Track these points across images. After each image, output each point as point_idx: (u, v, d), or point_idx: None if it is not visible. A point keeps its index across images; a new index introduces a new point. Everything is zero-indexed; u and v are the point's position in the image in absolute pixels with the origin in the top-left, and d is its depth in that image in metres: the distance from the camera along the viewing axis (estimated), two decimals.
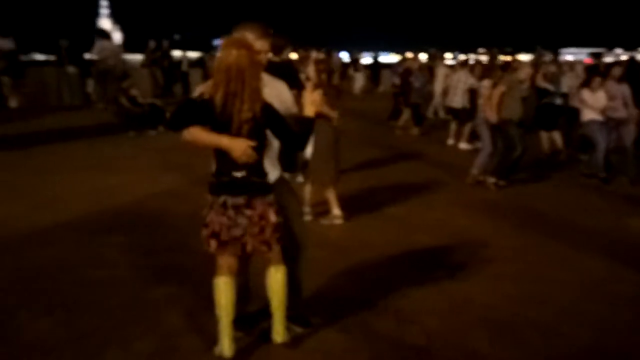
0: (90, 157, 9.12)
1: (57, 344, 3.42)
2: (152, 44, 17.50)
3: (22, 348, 3.38)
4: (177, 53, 19.84)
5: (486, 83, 8.09)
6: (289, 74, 3.86)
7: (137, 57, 23.32)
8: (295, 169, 5.16)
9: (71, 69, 15.07)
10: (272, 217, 3.14)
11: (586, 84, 8.35)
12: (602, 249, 5.29)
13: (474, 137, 10.43)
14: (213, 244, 3.10)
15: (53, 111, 13.75)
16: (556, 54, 19.02)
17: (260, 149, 3.11)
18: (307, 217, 5.95)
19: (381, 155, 9.81)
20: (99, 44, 14.39)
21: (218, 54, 3.08)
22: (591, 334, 3.70)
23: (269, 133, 3.14)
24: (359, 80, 22.31)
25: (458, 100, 10.70)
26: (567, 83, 11.11)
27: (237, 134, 3.00)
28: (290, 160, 3.77)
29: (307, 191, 6.03)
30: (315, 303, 3.93)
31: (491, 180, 7.52)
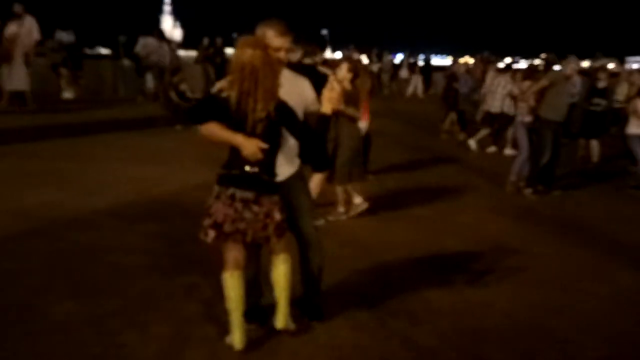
0: (136, 148, 9.43)
1: (79, 325, 3.58)
2: (205, 41, 17.86)
3: (45, 327, 3.55)
4: (230, 51, 20.23)
5: (527, 83, 7.91)
6: (310, 77, 3.92)
7: (193, 54, 23.88)
8: (323, 168, 5.22)
9: (126, 63, 15.57)
10: (277, 216, 3.20)
11: None
12: (635, 263, 5.12)
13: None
14: (211, 233, 3.14)
15: (107, 103, 14.24)
16: (622, 61, 18.42)
17: (274, 148, 3.18)
18: (343, 217, 5.99)
19: (419, 157, 9.77)
20: (143, 40, 14.85)
21: (235, 53, 3.16)
22: (608, 348, 3.61)
23: (284, 131, 3.20)
24: (414, 83, 22.14)
25: (497, 105, 10.51)
26: (623, 92, 10.82)
27: (252, 131, 3.07)
28: (317, 159, 3.84)
29: (339, 191, 6.06)
30: (332, 299, 3.98)
31: (528, 190, 7.35)
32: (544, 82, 7.25)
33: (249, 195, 3.11)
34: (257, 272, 3.58)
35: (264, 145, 3.07)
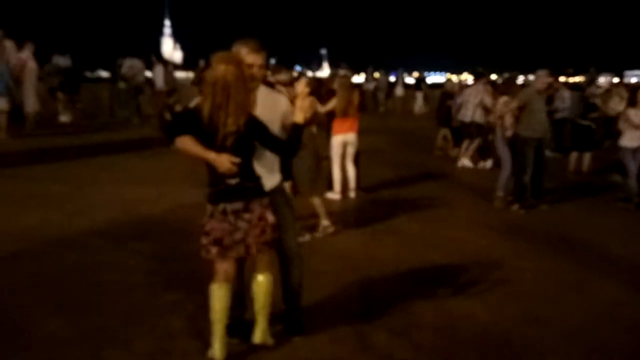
0: (129, 169, 9.51)
1: (63, 341, 3.63)
2: (202, 62, 18.11)
3: (30, 343, 3.60)
4: None
5: (502, 99, 8.00)
6: None
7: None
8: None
9: (122, 85, 15.75)
10: (270, 217, 3.31)
11: (632, 102, 8.13)
12: (621, 274, 5.17)
13: (482, 156, 10.57)
14: (214, 250, 3.24)
15: (103, 126, 14.38)
16: (620, 75, 18.60)
17: (247, 157, 3.27)
18: (330, 229, 6.04)
19: (411, 174, 9.83)
20: (129, 62, 15.16)
21: (210, 68, 3.25)
22: (587, 358, 3.64)
23: (257, 144, 3.29)
24: (419, 99, 22.41)
25: (468, 114, 10.70)
26: (615, 105, 11.00)
27: (222, 144, 3.15)
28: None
29: (318, 204, 6.09)
30: (315, 313, 4.04)
31: (515, 206, 7.40)
32: (514, 105, 7.32)
33: (238, 205, 3.22)
34: (241, 287, 3.63)
35: (236, 160, 3.15)
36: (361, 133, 8.05)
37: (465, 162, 10.74)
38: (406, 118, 20.20)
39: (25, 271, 4.81)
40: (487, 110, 10.20)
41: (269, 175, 3.52)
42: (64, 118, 14.69)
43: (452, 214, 7.21)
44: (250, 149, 3.28)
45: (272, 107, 3.50)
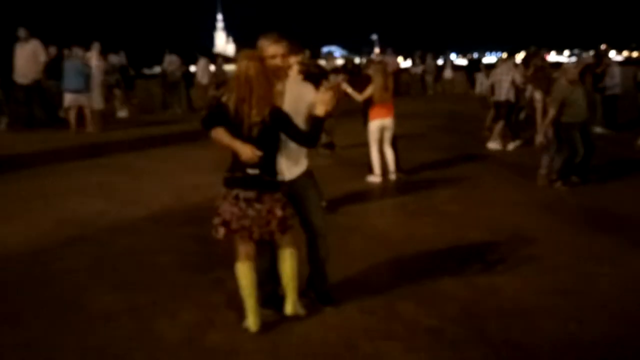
0: (179, 159, 10.00)
1: (117, 314, 4.02)
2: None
3: (86, 317, 4.00)
4: None
5: (538, 96, 7.92)
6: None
7: None
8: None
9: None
10: (278, 212, 3.52)
11: None
12: None
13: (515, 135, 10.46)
14: (222, 231, 3.52)
15: (157, 119, 14.99)
16: None
17: (272, 150, 3.53)
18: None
19: (452, 155, 9.87)
20: (168, 58, 15.79)
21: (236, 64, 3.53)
22: (610, 326, 3.73)
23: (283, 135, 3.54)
24: (479, 81, 22.09)
25: (503, 94, 10.60)
26: None
27: (248, 135, 3.42)
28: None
29: None
30: (345, 286, 4.29)
31: (558, 183, 7.38)
32: (552, 112, 7.23)
33: (251, 194, 3.46)
34: (271, 264, 3.87)
35: (259, 152, 3.42)
36: (407, 117, 8.28)
37: (493, 145, 10.63)
38: (455, 101, 20.01)
39: (85, 254, 5.27)
40: (517, 89, 10.11)
41: (296, 163, 3.76)
42: (122, 114, 15.38)
43: (492, 194, 7.28)
44: (275, 140, 3.53)
45: (299, 97, 3.70)
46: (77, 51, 12.74)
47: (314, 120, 3.55)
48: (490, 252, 5.18)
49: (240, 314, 3.84)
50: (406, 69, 24.60)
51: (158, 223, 6.25)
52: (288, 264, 3.69)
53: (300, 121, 3.63)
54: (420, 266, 4.85)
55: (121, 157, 10.23)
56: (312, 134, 3.58)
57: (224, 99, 3.57)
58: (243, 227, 3.48)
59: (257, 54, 3.51)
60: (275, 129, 3.48)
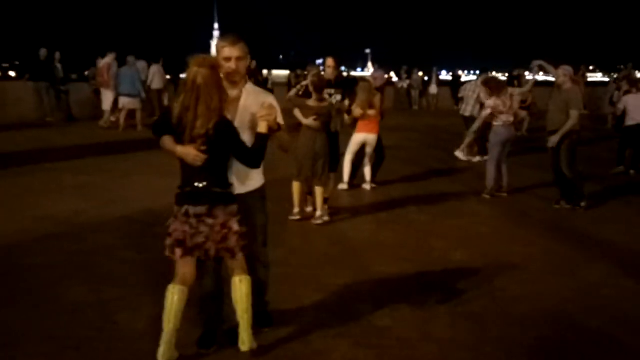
0: (165, 163, 10.12)
1: (85, 307, 4.18)
2: (253, 63, 18.80)
3: (56, 307, 4.17)
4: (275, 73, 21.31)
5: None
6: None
7: None
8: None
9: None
10: (235, 226, 3.25)
11: None
12: (600, 258, 5.41)
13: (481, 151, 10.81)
14: (178, 252, 3.27)
15: (146, 124, 15.14)
16: None
17: (220, 161, 3.27)
18: (325, 218, 6.43)
19: (429, 169, 10.16)
20: (152, 68, 16.20)
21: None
22: (551, 327, 3.97)
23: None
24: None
25: (468, 110, 11.14)
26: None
27: (189, 144, 3.17)
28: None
29: (318, 194, 6.39)
30: (306, 287, 4.52)
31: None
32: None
33: (201, 209, 3.20)
34: (217, 286, 3.63)
35: (203, 149, 3.15)
36: (391, 130, 8.44)
37: (459, 154, 11.16)
38: (439, 116, 20.31)
39: (61, 250, 5.43)
40: (482, 106, 10.43)
41: (248, 177, 3.51)
42: (111, 117, 15.54)
43: (464, 205, 7.52)
44: (222, 152, 3.25)
45: (252, 106, 3.44)
46: (131, 60, 14.21)
47: (256, 138, 3.32)
48: (449, 258, 5.41)
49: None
50: (392, 83, 24.91)
51: (135, 223, 6.42)
52: (240, 293, 3.33)
53: (249, 136, 3.39)
54: (381, 269, 5.06)
55: (105, 160, 10.40)
56: (255, 151, 3.31)
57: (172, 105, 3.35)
58: (197, 246, 3.24)
59: (209, 61, 3.21)
60: (219, 142, 3.19)
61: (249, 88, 3.56)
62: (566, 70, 7.26)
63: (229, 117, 3.33)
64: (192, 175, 3.24)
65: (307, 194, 6.69)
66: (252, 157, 3.33)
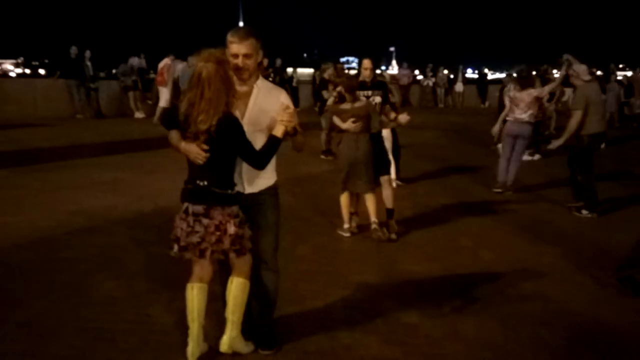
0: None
1: (116, 300, 4.30)
2: (265, 61, 18.92)
3: (90, 300, 4.29)
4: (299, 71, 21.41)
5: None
6: None
7: None
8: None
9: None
10: (231, 229, 3.16)
11: None
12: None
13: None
14: (175, 247, 3.28)
15: None
16: None
17: (224, 160, 3.19)
18: (393, 237, 5.92)
19: (458, 165, 10.11)
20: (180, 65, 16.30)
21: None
22: (580, 329, 3.96)
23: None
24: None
25: None
26: None
27: (193, 141, 3.12)
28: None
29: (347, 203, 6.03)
30: (332, 283, 4.55)
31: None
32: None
33: (199, 208, 3.17)
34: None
35: (205, 147, 3.09)
36: (416, 128, 8.42)
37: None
38: (465, 114, 20.19)
39: (93, 244, 5.56)
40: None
41: (257, 177, 3.38)
42: (139, 115, 15.81)
43: (490, 205, 7.49)
44: (226, 150, 3.16)
45: (265, 103, 3.33)
46: (191, 59, 14.11)
47: (269, 139, 3.23)
48: (477, 258, 5.41)
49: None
50: (417, 81, 24.84)
51: (163, 218, 6.50)
52: (233, 294, 3.28)
53: (260, 132, 3.29)
54: (408, 268, 5.09)
55: (134, 156, 10.60)
56: (263, 154, 3.22)
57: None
58: (192, 244, 3.21)
59: (215, 55, 3.10)
60: (222, 140, 3.11)
61: (260, 84, 3.38)
62: (576, 69, 7.07)
63: (238, 113, 3.23)
64: (196, 172, 3.20)
65: (352, 214, 6.15)
66: (259, 158, 3.22)
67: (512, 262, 5.28)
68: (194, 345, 3.30)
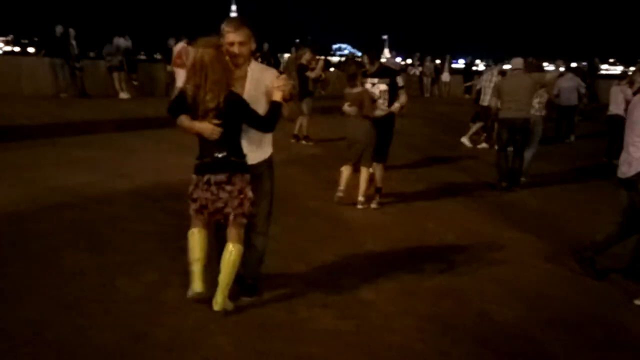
0: (170, 141, 10.36)
1: (84, 270, 4.43)
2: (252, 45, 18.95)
3: (58, 271, 4.41)
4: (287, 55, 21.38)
5: None
6: None
7: None
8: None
9: (170, 68, 16.68)
10: (249, 193, 3.65)
11: None
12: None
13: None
14: (200, 216, 3.68)
15: (157, 102, 15.38)
16: None
17: (234, 132, 3.64)
18: (374, 206, 6.63)
19: (441, 155, 10.29)
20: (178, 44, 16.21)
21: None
22: (527, 307, 4.15)
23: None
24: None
25: (486, 99, 11.10)
26: None
27: (204, 119, 3.54)
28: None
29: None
30: (297, 262, 4.71)
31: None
32: None
33: (222, 177, 3.59)
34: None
35: (218, 121, 3.51)
36: (400, 117, 8.41)
37: (464, 139, 11.60)
38: (451, 103, 20.33)
39: (65, 219, 5.66)
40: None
41: (257, 148, 3.83)
42: (124, 95, 15.79)
43: (463, 192, 7.68)
44: (234, 123, 3.61)
45: (260, 81, 3.76)
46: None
47: (271, 105, 3.70)
48: (442, 240, 5.59)
49: None
50: (404, 70, 24.96)
51: (139, 196, 6.64)
52: (233, 260, 3.68)
53: (260, 106, 3.70)
54: (373, 248, 5.25)
55: (115, 135, 10.66)
56: (268, 118, 3.69)
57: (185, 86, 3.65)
58: (218, 210, 3.63)
59: (213, 42, 3.55)
60: (230, 114, 3.55)
61: (253, 66, 3.80)
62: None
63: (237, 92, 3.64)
64: (211, 147, 3.60)
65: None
66: (267, 122, 3.70)
67: (474, 244, 5.47)
68: (199, 280, 3.67)
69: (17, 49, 68.77)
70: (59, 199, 6.30)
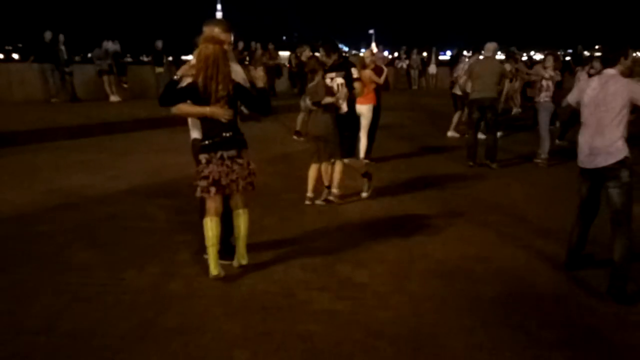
0: (162, 142, 10.58)
1: (92, 266, 4.64)
2: (240, 44, 19.08)
3: (66, 267, 4.62)
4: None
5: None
6: None
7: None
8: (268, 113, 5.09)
9: (158, 69, 16.85)
10: (253, 165, 4.34)
11: None
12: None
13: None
14: (212, 190, 4.19)
15: (148, 105, 15.53)
16: None
17: (234, 115, 4.23)
18: (364, 194, 6.86)
19: (420, 146, 10.54)
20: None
21: (199, 47, 4.09)
22: (503, 284, 4.40)
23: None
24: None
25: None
26: None
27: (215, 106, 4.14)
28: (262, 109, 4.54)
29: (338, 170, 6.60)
30: (292, 249, 4.93)
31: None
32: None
33: (233, 152, 4.20)
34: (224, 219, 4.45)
35: (230, 110, 4.15)
36: (389, 109, 8.76)
37: (451, 133, 11.79)
38: (438, 95, 20.57)
39: (68, 220, 5.86)
40: None
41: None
42: (114, 98, 15.92)
43: (450, 179, 7.92)
44: (237, 107, 4.23)
45: (234, 74, 4.31)
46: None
47: (258, 92, 4.36)
48: (431, 225, 5.83)
49: (200, 270, 4.49)
50: (391, 63, 25.20)
51: (137, 195, 6.85)
52: (242, 220, 4.43)
53: None
54: (362, 233, 5.49)
55: (108, 138, 10.84)
56: (262, 101, 4.39)
57: (177, 76, 4.18)
58: (232, 181, 4.20)
59: (217, 38, 4.15)
60: (236, 99, 4.19)
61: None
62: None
63: None
64: (217, 128, 4.15)
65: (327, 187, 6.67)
66: (262, 103, 4.40)
67: (463, 229, 5.70)
68: (215, 263, 4.27)
69: (0, 55, 68.33)
70: (59, 201, 6.50)
